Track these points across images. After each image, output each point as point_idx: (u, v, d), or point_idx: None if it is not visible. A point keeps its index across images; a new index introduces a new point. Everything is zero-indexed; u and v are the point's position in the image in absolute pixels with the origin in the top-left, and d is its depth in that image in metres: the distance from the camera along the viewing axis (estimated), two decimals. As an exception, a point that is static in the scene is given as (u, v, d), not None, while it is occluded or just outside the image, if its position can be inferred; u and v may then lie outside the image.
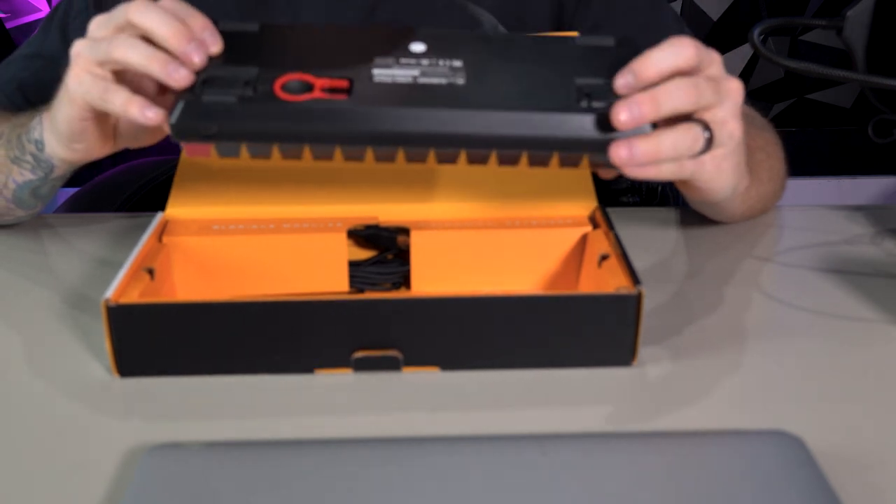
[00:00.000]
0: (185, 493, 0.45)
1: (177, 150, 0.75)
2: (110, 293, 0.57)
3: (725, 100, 0.59)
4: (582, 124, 0.56)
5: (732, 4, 2.29)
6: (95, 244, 0.79)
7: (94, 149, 0.68)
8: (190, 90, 0.57)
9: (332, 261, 0.67)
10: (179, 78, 0.58)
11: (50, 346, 0.63)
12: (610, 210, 0.70)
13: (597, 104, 0.56)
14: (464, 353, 0.59)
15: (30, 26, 2.20)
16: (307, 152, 0.59)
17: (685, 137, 0.58)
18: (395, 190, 0.71)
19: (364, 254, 0.71)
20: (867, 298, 0.69)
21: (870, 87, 0.78)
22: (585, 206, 0.70)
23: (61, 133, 0.66)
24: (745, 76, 2.35)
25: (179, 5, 0.61)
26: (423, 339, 0.58)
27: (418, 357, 0.59)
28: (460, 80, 0.57)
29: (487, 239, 0.68)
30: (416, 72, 0.57)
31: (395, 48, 0.59)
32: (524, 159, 0.58)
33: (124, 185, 1.15)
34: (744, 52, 2.30)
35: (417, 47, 0.59)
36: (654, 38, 0.87)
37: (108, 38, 0.61)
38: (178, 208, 0.70)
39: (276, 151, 0.59)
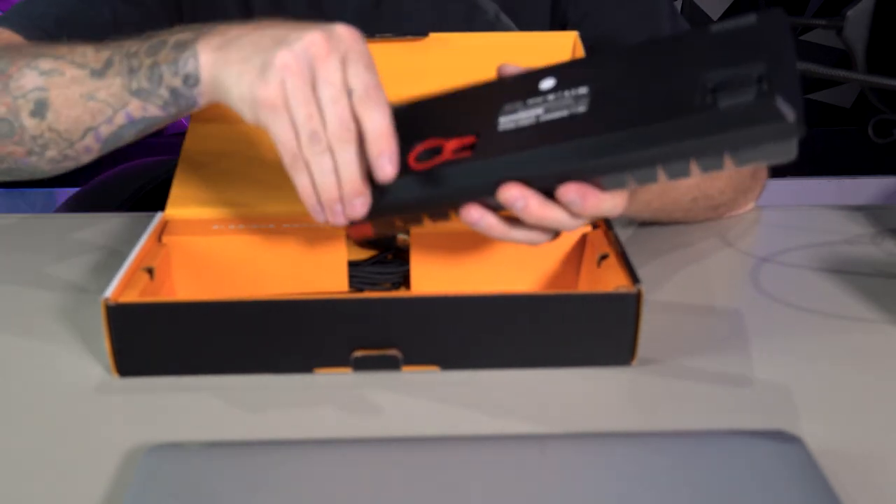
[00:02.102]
0: (185, 493, 0.45)
1: (177, 150, 0.75)
2: (109, 292, 0.57)
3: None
4: (703, 122, 0.51)
5: (732, 4, 2.29)
6: (95, 244, 0.79)
7: None
8: None
9: (332, 260, 0.67)
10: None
11: (50, 346, 0.63)
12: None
13: (724, 97, 0.50)
14: (463, 353, 0.59)
15: (30, 26, 2.19)
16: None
17: (536, 238, 0.59)
18: None
19: (364, 254, 0.71)
20: (867, 298, 0.69)
21: (870, 87, 0.78)
22: None
23: (242, 96, 0.59)
24: (744, 76, 2.35)
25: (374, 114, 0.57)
26: (423, 338, 0.58)
27: (418, 356, 0.59)
28: (581, 108, 0.55)
29: (487, 239, 0.67)
30: (539, 110, 0.56)
31: (523, 90, 0.58)
32: (662, 175, 0.53)
33: (124, 185, 1.15)
34: (744, 52, 2.30)
35: (547, 83, 0.58)
36: (647, 27, 0.88)
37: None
38: (177, 208, 0.70)
39: (426, 218, 0.59)
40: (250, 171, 0.72)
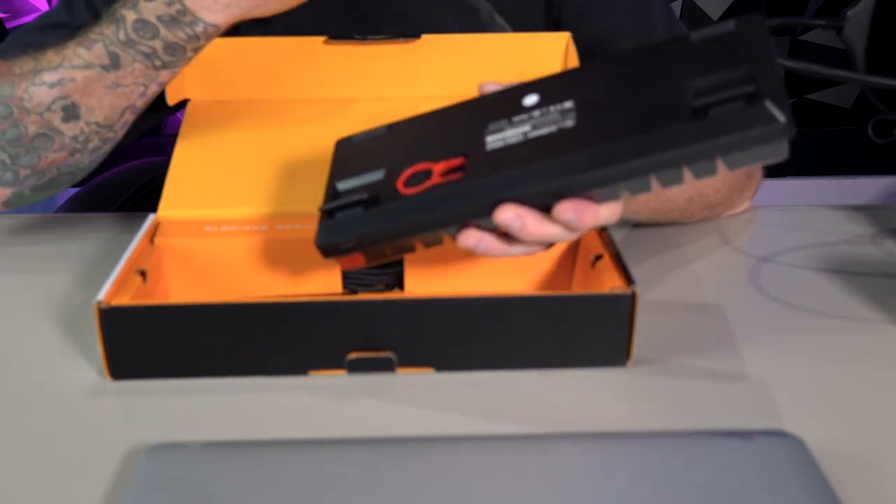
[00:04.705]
0: (184, 493, 0.45)
1: (174, 151, 0.75)
2: (102, 295, 0.57)
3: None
4: (694, 130, 0.50)
5: (732, 4, 2.28)
6: (93, 244, 0.79)
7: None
8: (328, 211, 0.58)
9: (325, 262, 0.67)
10: None
11: (44, 348, 0.63)
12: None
13: (711, 102, 0.50)
14: (458, 354, 0.58)
15: (29, 28, 2.19)
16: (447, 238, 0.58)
17: (535, 250, 0.58)
18: None
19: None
20: (867, 298, 0.69)
21: (870, 87, 0.78)
22: None
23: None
24: (745, 76, 2.35)
25: None
26: (417, 339, 0.58)
27: (412, 358, 0.58)
28: (569, 123, 0.55)
29: None
30: (526, 127, 0.56)
31: (507, 108, 0.58)
32: (656, 184, 0.52)
33: (124, 185, 1.15)
34: (744, 53, 2.30)
35: (530, 99, 0.58)
36: (640, 26, 0.87)
37: None
38: (169, 210, 0.70)
39: (418, 244, 0.58)
40: (243, 173, 0.72)
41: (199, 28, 0.68)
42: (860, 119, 2.36)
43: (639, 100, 0.54)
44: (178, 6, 0.67)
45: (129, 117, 0.73)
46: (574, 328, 0.58)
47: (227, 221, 0.68)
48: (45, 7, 2.19)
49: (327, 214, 0.59)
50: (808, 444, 0.48)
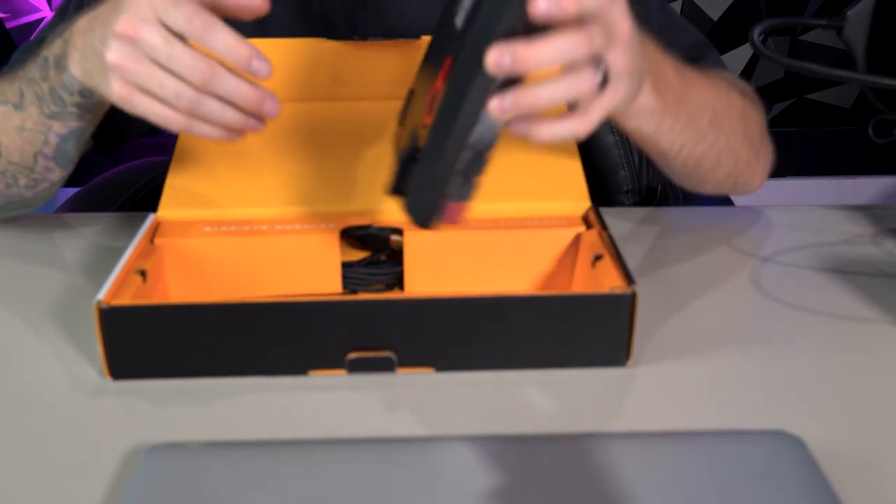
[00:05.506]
0: (184, 493, 0.45)
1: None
2: (102, 295, 0.57)
3: (615, 44, 0.57)
4: None
5: (732, 4, 2.28)
6: (93, 244, 0.79)
7: None
8: (396, 191, 0.58)
9: (325, 262, 0.67)
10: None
11: (44, 348, 0.63)
12: (607, 210, 0.69)
13: None
14: (458, 354, 0.58)
15: (30, 26, 2.20)
16: None
17: (575, 85, 0.54)
18: None
19: (357, 255, 0.70)
20: (867, 298, 0.69)
21: (870, 87, 0.78)
22: (578, 206, 0.70)
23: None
24: (745, 76, 2.35)
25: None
26: (417, 339, 0.58)
27: (412, 358, 0.58)
28: None
29: (481, 239, 0.67)
30: None
31: None
32: None
33: (124, 185, 1.15)
34: (744, 52, 2.30)
35: None
36: (637, 21, 0.87)
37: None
38: (169, 210, 0.70)
39: (485, 154, 0.56)
40: (243, 172, 0.72)
41: (67, 76, 0.66)
42: (860, 119, 2.36)
43: None
44: (66, 47, 0.66)
45: (45, 163, 0.72)
46: (574, 328, 0.58)
47: (227, 221, 0.68)
48: (45, 7, 2.19)
49: (398, 194, 0.57)
50: (808, 444, 0.48)
